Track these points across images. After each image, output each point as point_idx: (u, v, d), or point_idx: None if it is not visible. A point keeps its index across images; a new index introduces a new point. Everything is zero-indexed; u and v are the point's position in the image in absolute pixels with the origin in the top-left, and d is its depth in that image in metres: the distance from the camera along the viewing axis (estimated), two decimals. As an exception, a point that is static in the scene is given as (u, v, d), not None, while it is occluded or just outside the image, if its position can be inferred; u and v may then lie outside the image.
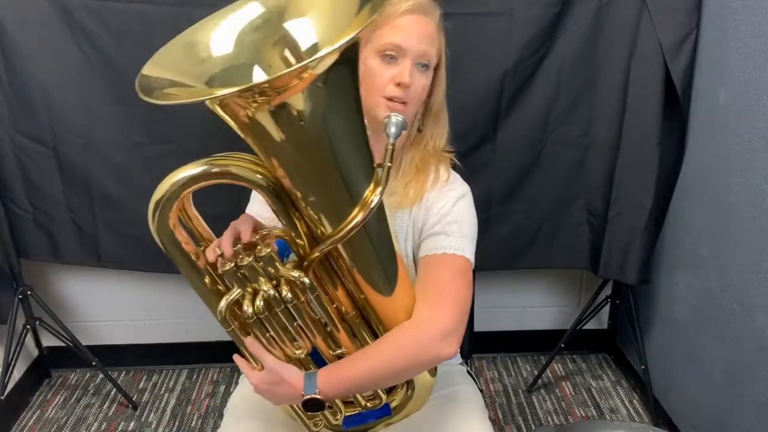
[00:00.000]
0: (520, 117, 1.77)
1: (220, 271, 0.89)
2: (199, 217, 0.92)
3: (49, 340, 2.10)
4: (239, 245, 0.88)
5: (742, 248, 1.45)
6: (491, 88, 1.72)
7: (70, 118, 1.73)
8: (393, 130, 0.86)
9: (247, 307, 0.89)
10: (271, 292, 0.88)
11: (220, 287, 0.93)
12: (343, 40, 0.69)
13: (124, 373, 2.21)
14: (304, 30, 0.85)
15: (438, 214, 1.05)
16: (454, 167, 1.14)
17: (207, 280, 0.92)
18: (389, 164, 0.81)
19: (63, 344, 1.99)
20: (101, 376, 2.11)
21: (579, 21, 1.67)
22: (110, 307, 2.14)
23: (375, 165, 0.84)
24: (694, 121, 1.65)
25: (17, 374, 2.00)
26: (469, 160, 1.75)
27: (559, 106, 1.76)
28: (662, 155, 1.69)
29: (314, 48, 0.84)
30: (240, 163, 0.83)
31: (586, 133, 1.80)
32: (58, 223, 1.87)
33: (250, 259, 0.87)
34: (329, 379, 0.95)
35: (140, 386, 2.15)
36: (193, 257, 0.89)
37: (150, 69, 0.79)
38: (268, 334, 0.94)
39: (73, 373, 2.20)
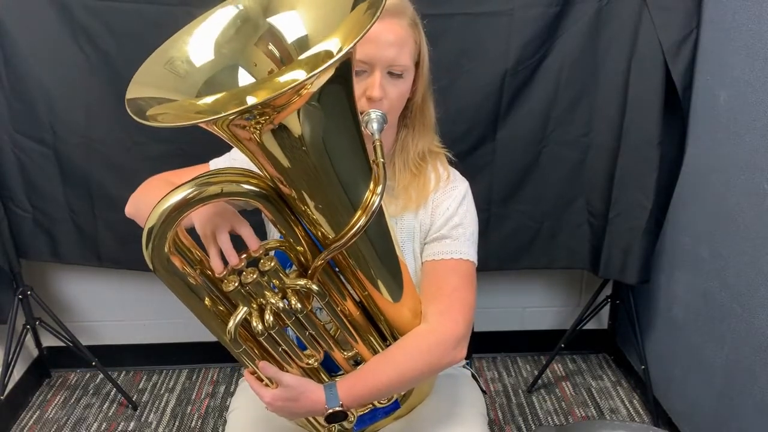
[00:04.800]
0: (520, 117, 1.76)
1: (225, 291, 0.86)
2: (188, 236, 0.88)
3: (49, 340, 2.10)
4: (244, 255, 0.84)
5: (742, 248, 1.45)
6: (491, 88, 1.71)
7: (70, 118, 1.73)
8: (375, 126, 0.86)
9: (257, 324, 0.86)
10: (280, 304, 0.86)
11: (222, 308, 0.90)
12: (345, 49, 0.67)
13: (124, 373, 2.21)
14: (289, 23, 0.82)
15: (444, 216, 1.04)
16: (450, 162, 1.13)
17: (207, 301, 0.88)
18: (382, 160, 0.81)
19: (63, 344, 1.99)
20: (101, 376, 2.12)
21: (579, 21, 1.66)
22: (110, 307, 2.14)
23: (372, 161, 0.83)
24: (695, 121, 1.65)
25: (17, 374, 2.00)
26: (469, 160, 1.77)
27: (559, 106, 1.76)
28: (662, 155, 1.69)
29: (304, 40, 0.81)
30: (230, 178, 0.80)
31: (586, 133, 1.80)
32: (58, 223, 1.86)
33: (255, 276, 0.84)
34: (351, 391, 0.94)
35: (140, 386, 2.15)
36: (191, 280, 0.86)
37: (135, 91, 0.76)
38: (280, 348, 0.91)
39: (73, 373, 2.20)
